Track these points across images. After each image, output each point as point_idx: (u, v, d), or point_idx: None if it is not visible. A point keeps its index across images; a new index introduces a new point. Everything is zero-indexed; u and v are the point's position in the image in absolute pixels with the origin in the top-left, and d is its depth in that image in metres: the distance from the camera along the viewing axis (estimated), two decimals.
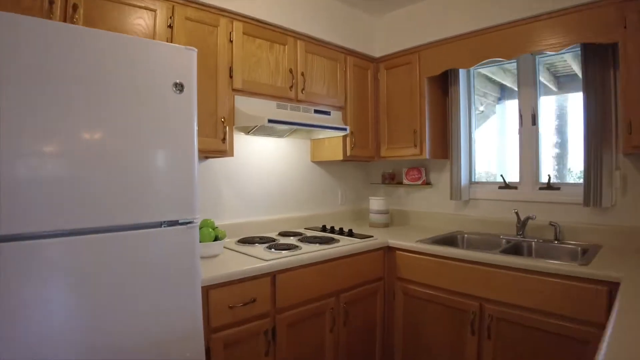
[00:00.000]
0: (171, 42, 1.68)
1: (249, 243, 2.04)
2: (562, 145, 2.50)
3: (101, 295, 1.11)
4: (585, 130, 2.07)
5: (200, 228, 1.75)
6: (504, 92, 2.83)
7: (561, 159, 2.49)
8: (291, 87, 2.19)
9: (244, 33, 1.98)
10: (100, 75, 1.13)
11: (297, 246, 1.95)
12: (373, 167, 3.18)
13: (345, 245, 2.04)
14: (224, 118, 1.89)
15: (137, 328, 1.17)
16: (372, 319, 2.20)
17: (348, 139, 2.51)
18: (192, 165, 1.30)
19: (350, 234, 2.31)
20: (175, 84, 1.27)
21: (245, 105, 1.99)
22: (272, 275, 1.68)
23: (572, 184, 2.33)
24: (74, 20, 1.42)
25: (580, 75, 2.16)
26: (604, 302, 1.52)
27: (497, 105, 2.87)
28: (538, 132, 2.45)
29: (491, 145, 2.78)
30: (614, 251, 1.89)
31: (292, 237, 2.23)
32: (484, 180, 2.74)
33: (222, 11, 1.90)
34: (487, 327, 1.88)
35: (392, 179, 2.94)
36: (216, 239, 1.75)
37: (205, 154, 1.86)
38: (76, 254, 1.07)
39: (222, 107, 1.90)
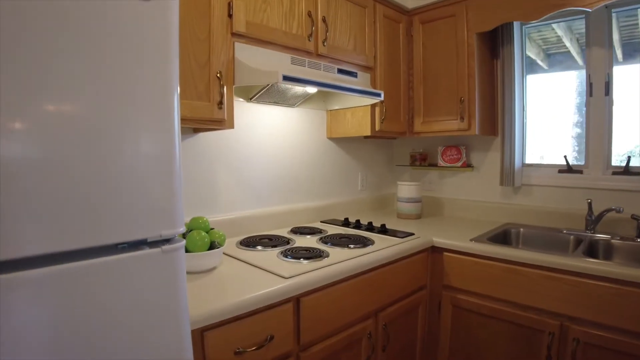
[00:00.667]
0: None
1: (255, 246, 1.52)
2: None
3: None
4: None
5: (190, 231, 1.22)
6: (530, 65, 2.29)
7: None
8: (310, 36, 1.63)
9: None
10: None
11: (321, 251, 1.44)
12: (399, 146, 2.66)
13: (383, 248, 1.53)
14: (220, 73, 1.33)
15: None
16: (412, 340, 1.73)
17: (378, 110, 1.97)
18: (170, 142, 0.77)
19: (384, 230, 1.81)
20: None
21: (250, 57, 1.43)
22: (295, 300, 1.17)
23: None
24: None
25: None
26: None
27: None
28: (612, 104, 1.95)
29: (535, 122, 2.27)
30: None
31: (309, 236, 1.72)
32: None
33: None
34: (572, 353, 1.44)
35: (423, 160, 2.42)
36: (212, 246, 1.22)
37: (194, 124, 1.31)
38: None
39: (218, 58, 1.34)
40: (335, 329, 1.30)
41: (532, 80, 2.25)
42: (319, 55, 1.69)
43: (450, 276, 1.74)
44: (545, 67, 2.25)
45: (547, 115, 2.20)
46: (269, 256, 1.39)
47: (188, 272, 1.19)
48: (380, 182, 2.60)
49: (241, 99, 1.74)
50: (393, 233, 1.77)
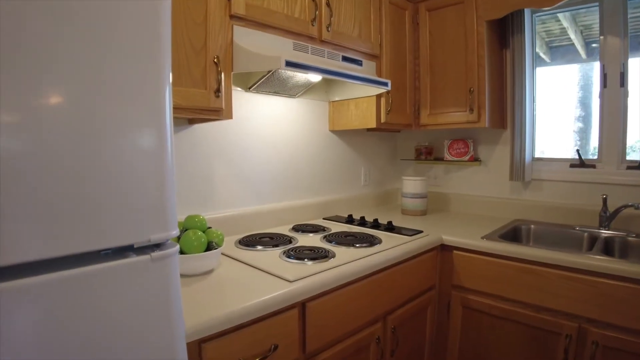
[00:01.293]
0: None
1: (255, 245, 1.43)
2: None
3: None
4: None
5: (185, 230, 1.12)
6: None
7: None
8: (313, 20, 1.52)
9: None
10: None
11: (326, 251, 1.35)
12: (402, 139, 2.56)
13: (392, 247, 1.44)
14: (217, 58, 1.23)
15: None
16: (421, 343, 1.65)
17: (383, 101, 1.87)
18: (160, 133, 0.66)
19: (391, 227, 1.72)
20: None
21: (249, 42, 1.32)
22: (301, 306, 1.08)
23: None
24: None
25: None
26: None
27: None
28: (627, 95, 1.87)
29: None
30: None
31: (312, 235, 1.62)
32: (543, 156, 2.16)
33: None
34: (591, 357, 1.37)
35: (429, 154, 2.33)
36: (209, 247, 1.12)
37: (189, 114, 1.21)
38: None
39: (215, 42, 1.23)
40: (343, 335, 1.21)
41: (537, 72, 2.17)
42: (323, 42, 1.58)
43: (461, 276, 1.65)
44: (548, 60, 2.17)
45: (550, 109, 2.13)
46: (271, 256, 1.30)
47: (183, 276, 1.10)
48: (384, 177, 2.50)
49: (239, 89, 1.63)
50: (400, 231, 1.68)
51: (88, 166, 0.57)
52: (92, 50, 0.58)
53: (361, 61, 1.73)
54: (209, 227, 1.21)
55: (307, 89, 1.81)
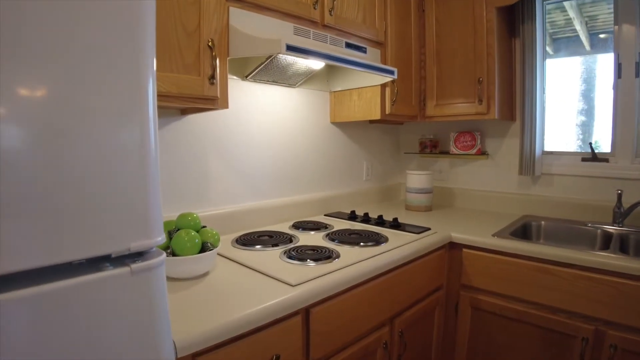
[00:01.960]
0: None
1: (254, 245, 1.33)
2: None
3: None
4: None
5: (177, 230, 1.03)
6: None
7: None
8: (315, 3, 1.42)
9: None
10: None
11: (330, 251, 1.26)
12: (405, 132, 2.47)
13: (399, 245, 1.36)
14: (211, 41, 1.12)
15: None
16: (428, 346, 1.57)
17: (389, 91, 1.77)
18: (141, 122, 0.56)
19: (396, 224, 1.63)
20: None
21: (247, 25, 1.22)
22: (304, 312, 0.99)
23: None
24: None
25: None
26: None
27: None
28: None
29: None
30: None
31: (313, 232, 1.53)
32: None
33: None
34: None
35: (434, 147, 2.24)
36: (204, 248, 1.03)
37: (181, 102, 1.10)
38: None
39: (209, 24, 1.12)
40: (349, 341, 1.13)
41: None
42: (325, 26, 1.48)
43: (470, 275, 1.57)
44: (551, 53, 2.08)
45: (553, 102, 2.04)
46: (271, 257, 1.21)
47: (176, 280, 1.00)
48: (386, 171, 2.41)
49: (236, 77, 1.53)
50: (407, 228, 1.59)
51: (53, 165, 0.47)
52: (55, 27, 0.48)
53: (365, 48, 1.63)
54: (204, 226, 1.11)
55: (308, 78, 1.71)
